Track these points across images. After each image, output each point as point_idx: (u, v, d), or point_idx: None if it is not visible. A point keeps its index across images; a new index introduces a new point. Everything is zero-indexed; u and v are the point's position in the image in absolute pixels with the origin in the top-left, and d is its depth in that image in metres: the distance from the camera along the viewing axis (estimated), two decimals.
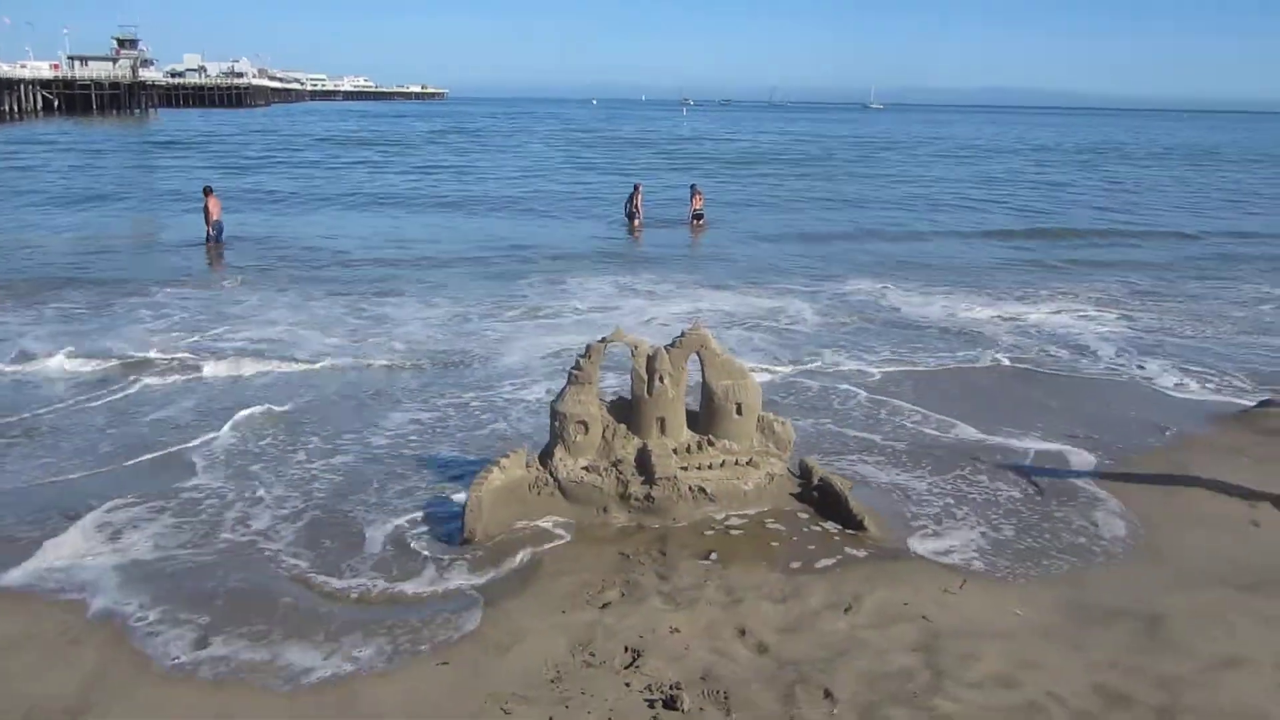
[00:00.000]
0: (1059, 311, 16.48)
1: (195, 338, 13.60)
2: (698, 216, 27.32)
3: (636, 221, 26.90)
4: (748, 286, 18.42)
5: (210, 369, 11.93)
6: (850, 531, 7.23)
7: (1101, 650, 5.50)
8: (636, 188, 27.88)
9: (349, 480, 8.44)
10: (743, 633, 5.70)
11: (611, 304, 16.71)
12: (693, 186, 28.68)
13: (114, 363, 12.01)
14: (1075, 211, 33.03)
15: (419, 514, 7.71)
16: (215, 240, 22.76)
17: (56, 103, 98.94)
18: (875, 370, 12.37)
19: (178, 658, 5.48)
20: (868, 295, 17.78)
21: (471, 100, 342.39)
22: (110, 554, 6.86)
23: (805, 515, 7.51)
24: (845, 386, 11.54)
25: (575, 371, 7.65)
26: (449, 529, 7.32)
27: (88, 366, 11.82)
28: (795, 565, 6.61)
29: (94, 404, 10.45)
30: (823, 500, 7.61)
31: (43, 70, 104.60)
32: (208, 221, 22.86)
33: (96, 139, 61.28)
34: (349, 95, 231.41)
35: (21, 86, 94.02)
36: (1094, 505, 7.97)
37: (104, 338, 13.37)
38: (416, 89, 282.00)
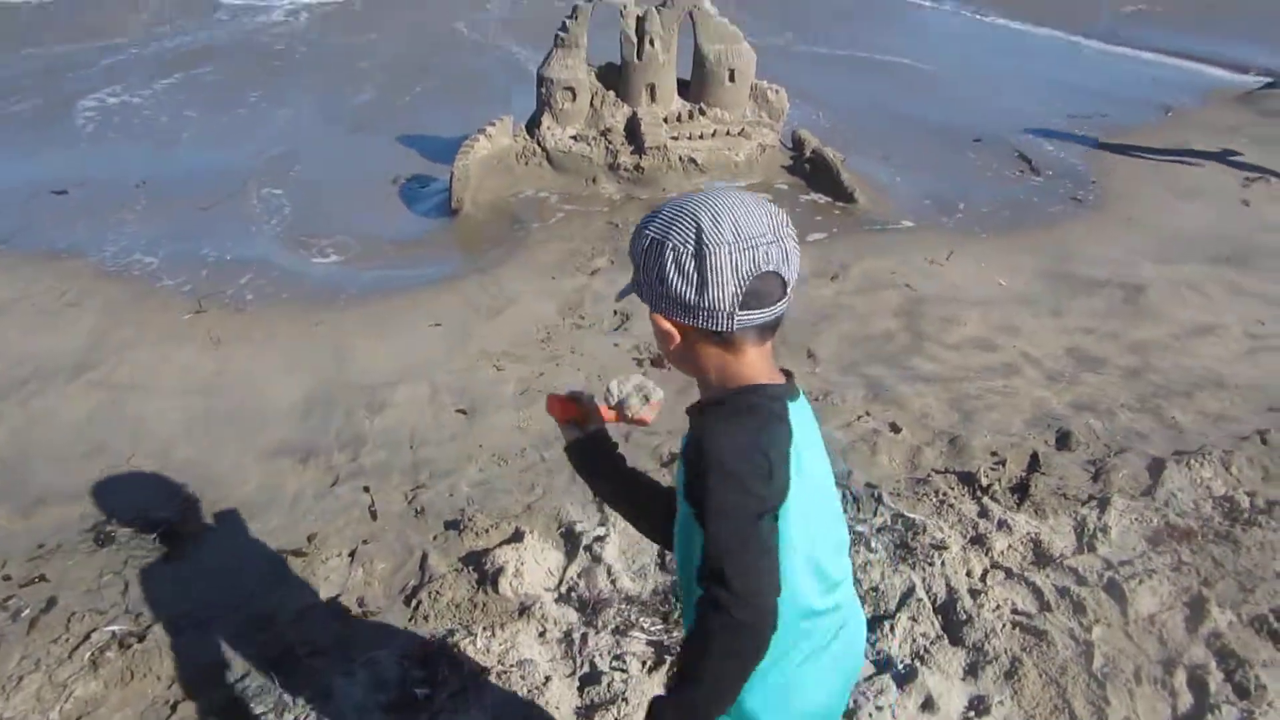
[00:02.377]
0: None
1: None
2: None
3: None
4: None
5: None
6: (841, 204, 7.18)
7: (1079, 317, 5.62)
8: None
9: (336, 144, 8.31)
10: None
11: None
12: None
13: None
14: None
15: (407, 184, 7.61)
16: None
17: None
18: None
19: (182, 315, 5.56)
20: None
21: None
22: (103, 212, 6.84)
23: (795, 187, 7.44)
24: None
25: (561, 34, 7.28)
26: (438, 200, 7.24)
27: None
28: None
29: None
30: (814, 172, 7.50)
31: None
32: None
33: None
34: None
35: None
36: (1085, 179, 7.91)
37: None
38: None
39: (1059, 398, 4.74)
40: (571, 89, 7.27)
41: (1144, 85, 10.93)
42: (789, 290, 1.53)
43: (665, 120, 7.38)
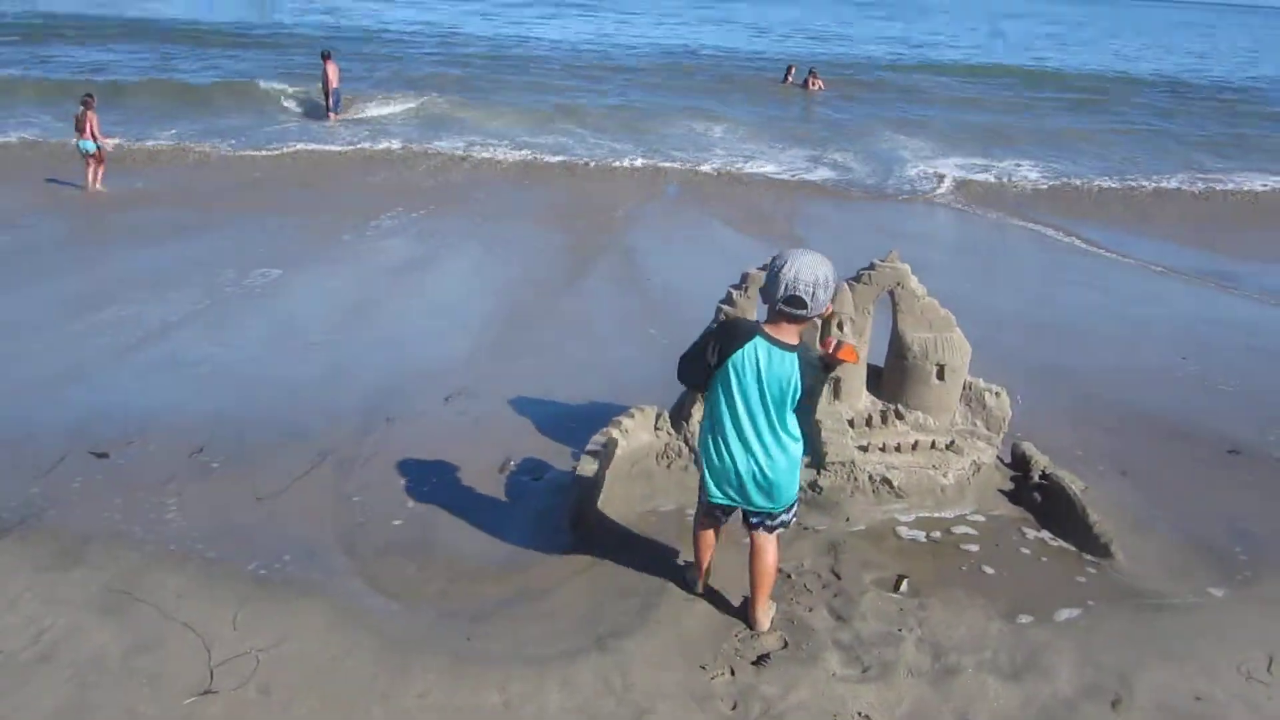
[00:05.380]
0: None
1: None
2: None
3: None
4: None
5: None
6: (1089, 556, 5.31)
7: None
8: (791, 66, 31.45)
9: (437, 404, 6.99)
10: None
11: None
12: (812, 69, 30.72)
13: None
14: None
15: (516, 473, 6.11)
16: (333, 110, 21.34)
17: None
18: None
19: (185, 698, 3.93)
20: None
21: None
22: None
23: (1021, 523, 5.61)
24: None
25: (725, 307, 5.79)
26: (552, 504, 5.65)
27: None
28: (1023, 616, 4.72)
29: None
30: (1046, 504, 5.68)
31: None
32: (326, 91, 21.43)
33: None
34: None
35: None
36: None
37: None
38: None
39: None
40: None
41: None
42: (809, 304, 3.82)
43: (852, 424, 5.73)
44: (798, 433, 4.13)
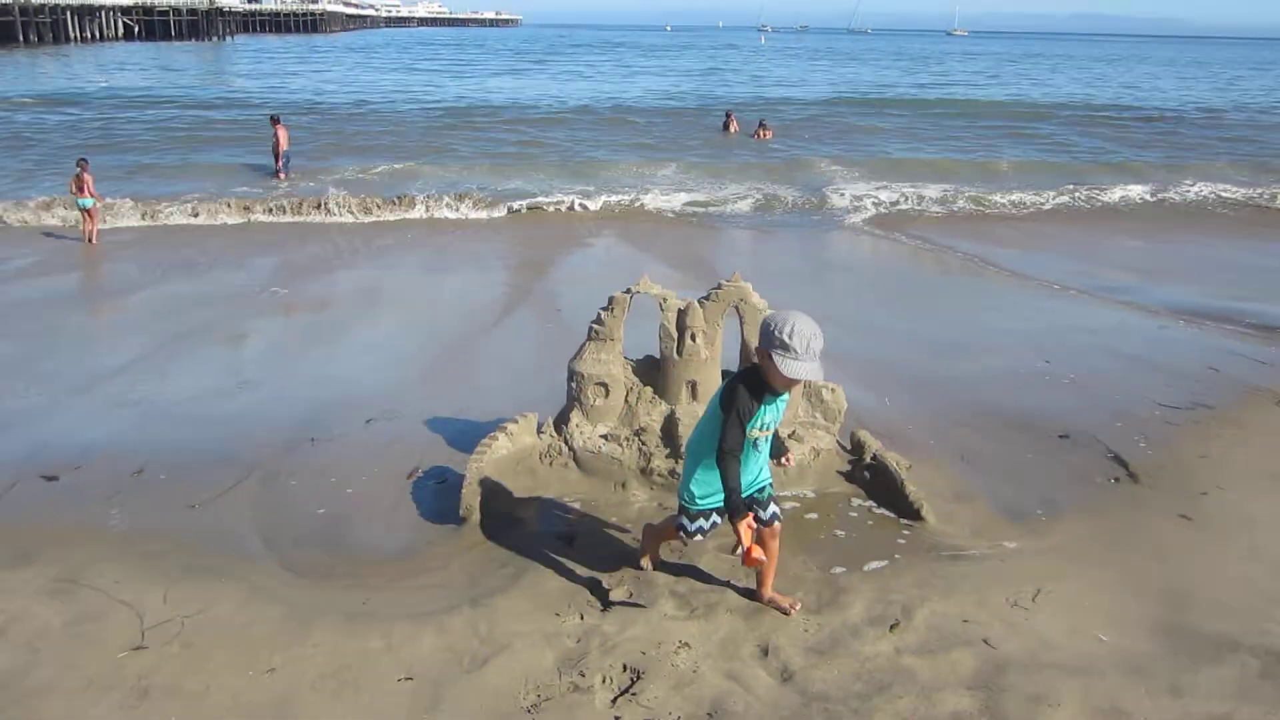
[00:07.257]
0: None
1: None
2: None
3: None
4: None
5: None
6: (906, 521, 6.24)
7: (1207, 700, 4.46)
8: (729, 113, 33.81)
9: (357, 425, 7.81)
10: (766, 652, 4.77)
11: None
12: (761, 121, 32.45)
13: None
14: None
15: (423, 478, 6.94)
16: (283, 172, 22.13)
17: (136, 29, 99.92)
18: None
19: (119, 652, 4.73)
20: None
21: (546, 26, 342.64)
22: None
23: (853, 497, 6.53)
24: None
25: (596, 326, 6.71)
26: (450, 502, 6.49)
27: None
28: (838, 567, 5.63)
29: None
30: (875, 481, 6.61)
31: None
32: (276, 153, 22.21)
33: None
34: (423, 22, 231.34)
35: (103, 13, 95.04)
36: (1193, 490, 6.84)
37: None
38: (490, 15, 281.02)
39: None
40: (605, 384, 6.62)
41: (1244, 366, 9.92)
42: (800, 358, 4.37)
43: None
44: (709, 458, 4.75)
